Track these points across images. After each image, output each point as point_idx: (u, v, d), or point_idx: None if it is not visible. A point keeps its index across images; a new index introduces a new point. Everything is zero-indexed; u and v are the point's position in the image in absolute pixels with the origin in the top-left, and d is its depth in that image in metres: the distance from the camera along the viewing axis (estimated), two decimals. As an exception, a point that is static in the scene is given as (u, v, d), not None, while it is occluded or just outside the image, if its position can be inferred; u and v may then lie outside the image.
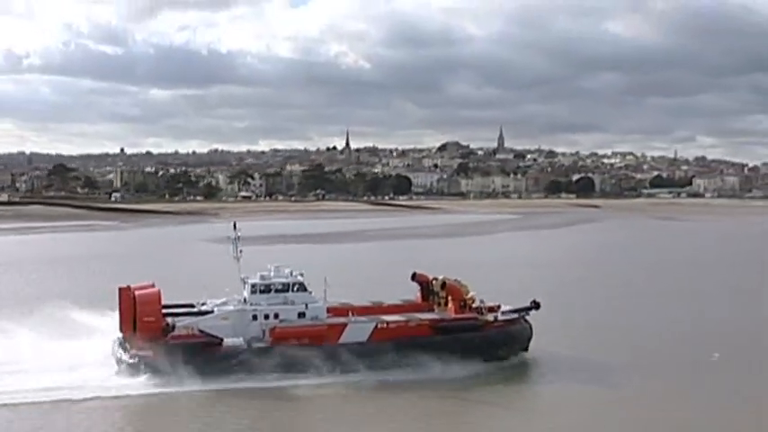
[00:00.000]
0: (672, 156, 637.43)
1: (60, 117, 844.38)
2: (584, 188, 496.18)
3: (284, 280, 58.85)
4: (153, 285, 58.33)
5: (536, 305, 61.40)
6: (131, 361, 54.15)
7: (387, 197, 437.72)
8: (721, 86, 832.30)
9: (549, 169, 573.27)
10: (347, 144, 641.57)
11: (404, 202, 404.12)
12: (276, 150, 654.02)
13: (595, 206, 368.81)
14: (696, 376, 56.45)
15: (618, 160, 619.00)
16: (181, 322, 57.08)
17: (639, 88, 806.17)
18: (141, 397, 51.85)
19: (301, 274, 59.71)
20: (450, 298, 61.22)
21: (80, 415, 48.57)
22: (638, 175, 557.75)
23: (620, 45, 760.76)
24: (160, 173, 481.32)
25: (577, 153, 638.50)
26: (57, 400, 50.23)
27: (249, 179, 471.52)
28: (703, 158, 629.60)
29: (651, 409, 49.16)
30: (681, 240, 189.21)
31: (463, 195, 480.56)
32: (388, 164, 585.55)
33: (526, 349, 60.90)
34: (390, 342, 56.79)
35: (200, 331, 56.14)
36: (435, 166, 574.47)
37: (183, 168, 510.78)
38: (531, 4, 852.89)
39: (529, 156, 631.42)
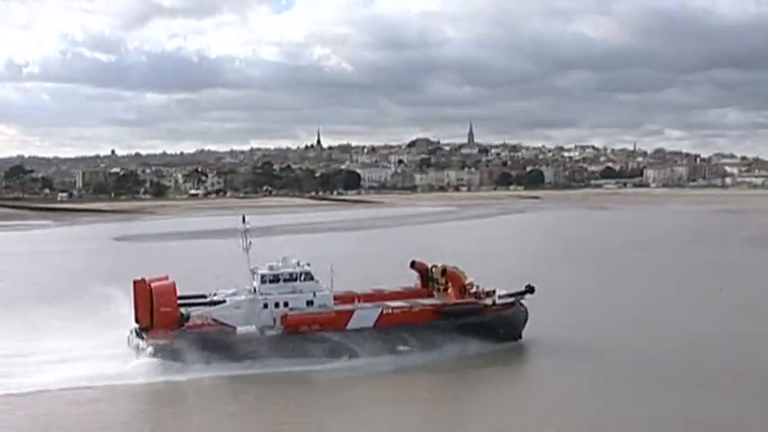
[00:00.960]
0: (634, 148, 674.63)
1: (61, 122, 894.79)
2: (534, 180, 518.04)
3: (292, 270, 62.74)
4: (167, 278, 61.47)
5: (530, 289, 65.99)
6: (150, 350, 57.27)
7: (336, 192, 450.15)
8: (684, 82, 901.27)
9: (510, 163, 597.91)
10: (318, 142, 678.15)
11: (347, 197, 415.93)
12: (255, 149, 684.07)
13: (536, 197, 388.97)
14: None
15: (577, 153, 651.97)
16: (195, 312, 60.44)
17: (608, 85, 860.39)
18: (159, 384, 54.99)
19: (308, 264, 63.55)
20: (450, 284, 65.58)
21: (99, 403, 51.56)
22: (593, 167, 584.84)
23: (588, 45, 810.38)
24: (121, 173, 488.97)
25: (541, 147, 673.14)
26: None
27: (203, 177, 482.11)
28: (662, 150, 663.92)
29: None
30: (575, 229, 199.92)
31: (413, 189, 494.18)
32: (356, 160, 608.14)
33: (520, 334, 65.52)
34: (396, 326, 60.82)
35: (215, 320, 59.70)
36: (400, 161, 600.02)
37: (143, 168, 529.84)
38: (504, 6, 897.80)
39: (493, 150, 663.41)
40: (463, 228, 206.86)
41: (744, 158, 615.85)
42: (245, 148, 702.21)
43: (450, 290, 65.59)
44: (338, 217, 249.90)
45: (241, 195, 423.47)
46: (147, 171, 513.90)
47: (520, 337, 65.07)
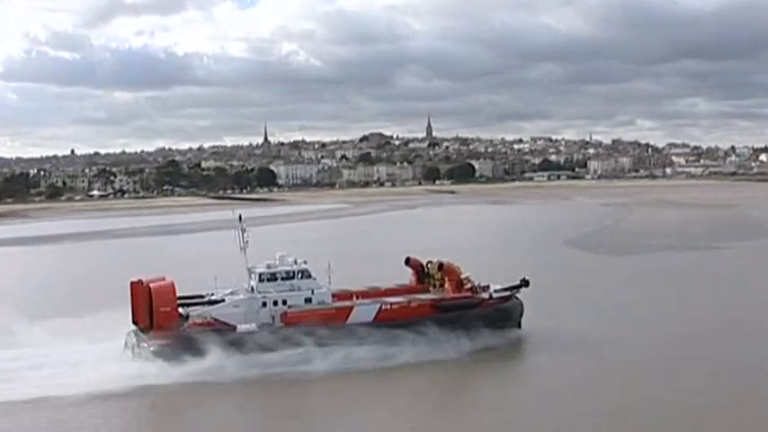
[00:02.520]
0: (589, 139, 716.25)
1: (31, 122, 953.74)
2: (464, 174, 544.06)
3: (289, 268, 68.22)
4: (164, 278, 66.17)
5: (525, 283, 72.54)
6: (150, 350, 61.83)
7: (245, 191, 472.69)
8: (653, 73, 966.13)
9: (455, 156, 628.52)
10: (266, 138, 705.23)
11: (250, 196, 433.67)
12: (206, 147, 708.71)
13: (451, 192, 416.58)
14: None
15: (528, 145, 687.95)
16: (194, 312, 65.44)
17: (577, 77, 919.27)
18: (160, 386, 58.82)
19: (305, 262, 69.16)
20: (447, 279, 71.63)
21: (100, 406, 55.42)
22: (536, 159, 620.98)
23: (554, 37, 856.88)
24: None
25: (491, 140, 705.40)
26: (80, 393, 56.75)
27: (112, 177, 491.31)
28: (619, 141, 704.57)
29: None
30: (419, 227, 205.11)
31: (332, 186, 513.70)
32: (302, 156, 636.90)
33: (519, 325, 72.05)
34: (395, 322, 66.49)
35: (215, 319, 64.71)
36: (343, 157, 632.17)
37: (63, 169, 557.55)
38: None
39: (445, 144, 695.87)
40: (314, 227, 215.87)
41: (696, 148, 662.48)
42: (210, 144, 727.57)
43: (446, 285, 71.52)
44: (215, 217, 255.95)
45: (141, 195, 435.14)
46: (57, 172, 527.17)
47: (519, 327, 71.60)
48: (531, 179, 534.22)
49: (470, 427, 51.36)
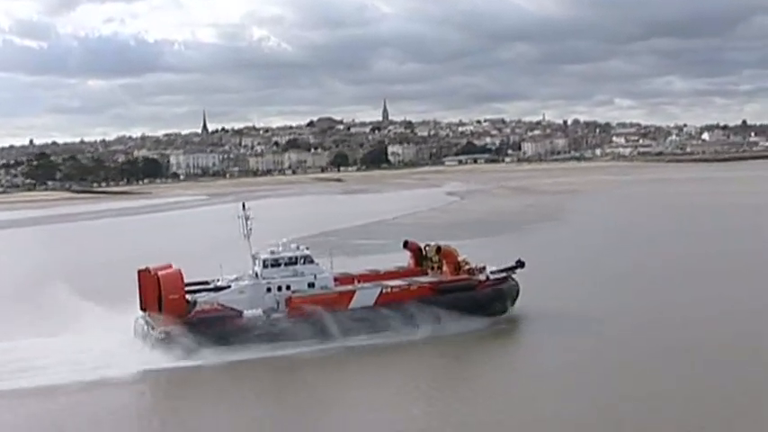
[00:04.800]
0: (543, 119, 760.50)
1: (5, 112, 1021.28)
2: (376, 159, 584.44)
3: (292, 254, 77.91)
4: (171, 266, 75.71)
5: (521, 264, 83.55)
6: (160, 337, 70.61)
7: (135, 182, 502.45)
8: (626, 52, 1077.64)
9: (396, 140, 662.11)
10: (204, 126, 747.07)
11: (114, 189, 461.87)
12: (148, 136, 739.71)
13: (338, 180, 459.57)
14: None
15: (472, 128, 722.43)
16: (201, 298, 74.86)
17: (551, 57, 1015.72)
18: (169, 370, 67.79)
19: (307, 248, 79.34)
20: (445, 261, 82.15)
21: (112, 391, 63.43)
22: (476, 141, 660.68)
23: (525, 17, 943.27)
24: None
25: (439, 123, 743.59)
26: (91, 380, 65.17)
27: (12, 169, 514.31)
28: (576, 122, 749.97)
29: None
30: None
31: (218, 175, 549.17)
32: (240, 143, 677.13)
33: (513, 303, 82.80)
34: (395, 304, 76.35)
35: (221, 305, 73.94)
36: (276, 143, 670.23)
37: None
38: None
39: (390, 127, 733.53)
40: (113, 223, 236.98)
41: (645, 127, 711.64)
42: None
43: (444, 267, 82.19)
44: (48, 213, 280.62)
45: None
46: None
47: (505, 310, 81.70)
48: (441, 163, 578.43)
49: (470, 398, 60.00)
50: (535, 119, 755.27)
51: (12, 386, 64.21)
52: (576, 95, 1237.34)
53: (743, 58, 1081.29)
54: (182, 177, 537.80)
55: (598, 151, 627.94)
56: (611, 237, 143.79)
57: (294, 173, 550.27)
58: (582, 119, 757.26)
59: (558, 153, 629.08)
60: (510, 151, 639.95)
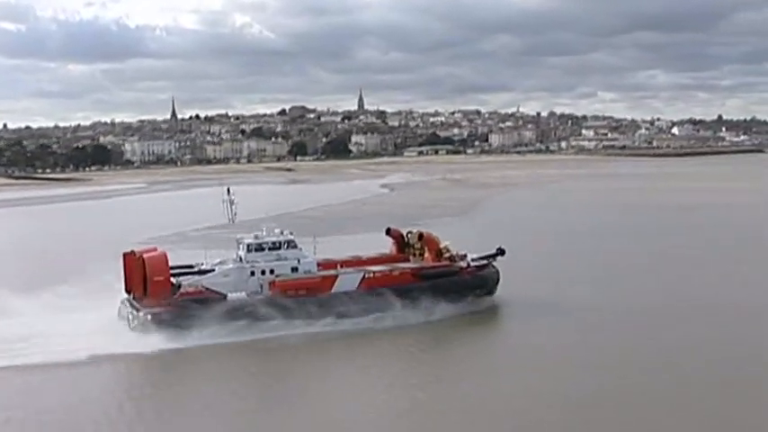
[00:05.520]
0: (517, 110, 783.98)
1: None
2: (336, 149, 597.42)
3: (275, 239, 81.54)
4: (156, 249, 79.33)
5: (501, 252, 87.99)
6: (145, 318, 73.96)
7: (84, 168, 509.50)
8: (610, 45, 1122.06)
9: (363, 130, 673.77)
10: (173, 113, 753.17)
11: (58, 176, 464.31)
12: (120, 123, 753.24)
13: (289, 170, 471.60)
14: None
15: (444, 119, 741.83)
16: (185, 281, 78.45)
17: (534, 49, 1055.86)
18: (155, 354, 70.66)
19: (291, 233, 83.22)
20: (426, 248, 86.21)
21: (98, 374, 66.35)
22: (442, 133, 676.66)
23: (507, 8, 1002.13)
24: None
25: (411, 113, 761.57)
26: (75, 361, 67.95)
27: None
28: (553, 114, 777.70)
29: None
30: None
31: (175, 164, 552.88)
32: (208, 130, 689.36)
33: (494, 291, 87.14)
34: (377, 289, 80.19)
35: (206, 288, 77.52)
36: (242, 131, 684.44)
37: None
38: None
39: (361, 117, 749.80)
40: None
41: (617, 120, 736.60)
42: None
43: (426, 254, 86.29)
44: None
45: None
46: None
47: (492, 294, 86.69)
48: (402, 154, 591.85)
49: (450, 378, 64.01)
50: (511, 110, 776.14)
51: None
52: (558, 87, 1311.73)
53: (725, 53, 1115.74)
54: (135, 165, 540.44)
55: (564, 144, 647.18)
56: (500, 233, 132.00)
57: (250, 161, 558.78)
58: (563, 111, 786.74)
59: (525, 145, 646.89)
60: (477, 143, 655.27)
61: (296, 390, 62.58)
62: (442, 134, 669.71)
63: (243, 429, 55.35)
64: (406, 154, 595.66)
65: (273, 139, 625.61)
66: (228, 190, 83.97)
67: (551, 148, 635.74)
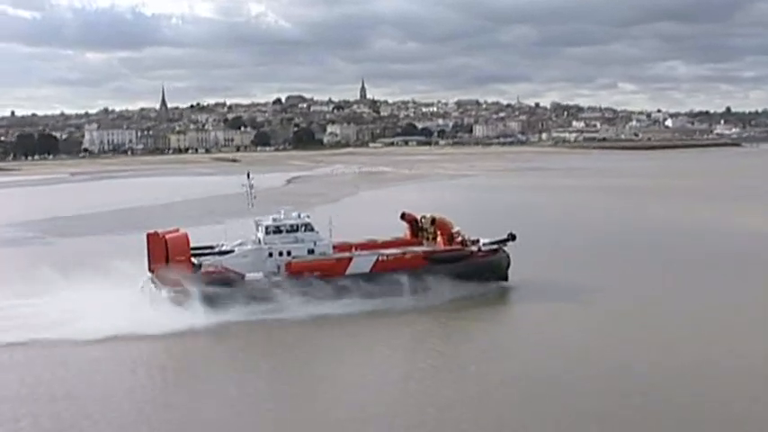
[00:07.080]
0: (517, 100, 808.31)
1: (5, 83, 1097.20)
2: (303, 139, 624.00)
3: (293, 221, 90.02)
4: (178, 230, 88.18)
5: (512, 237, 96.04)
6: (167, 296, 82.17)
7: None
8: (630, 36, 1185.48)
9: (353, 119, 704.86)
10: (163, 102, 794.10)
11: None
12: (110, 110, 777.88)
13: (234, 160, 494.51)
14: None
15: (436, 109, 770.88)
16: (206, 261, 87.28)
17: (553, 40, 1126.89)
18: (177, 329, 77.31)
19: (308, 216, 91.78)
20: (439, 232, 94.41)
21: (121, 350, 73.05)
22: (420, 124, 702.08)
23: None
24: None
25: (405, 103, 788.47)
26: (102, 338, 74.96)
27: None
28: (558, 105, 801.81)
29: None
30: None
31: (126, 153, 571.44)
32: (197, 120, 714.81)
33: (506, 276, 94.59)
34: (391, 272, 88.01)
35: (225, 268, 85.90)
36: (226, 120, 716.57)
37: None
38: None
39: (354, 107, 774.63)
40: None
41: (615, 111, 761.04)
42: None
43: (438, 238, 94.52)
44: None
45: None
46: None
47: (506, 279, 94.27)
48: (367, 145, 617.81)
49: (457, 361, 68.84)
50: (527, 101, 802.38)
51: None
52: (578, 78, 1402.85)
53: (745, 44, 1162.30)
54: (92, 154, 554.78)
55: (545, 135, 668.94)
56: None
57: (208, 151, 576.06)
58: (579, 103, 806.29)
59: (507, 137, 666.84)
60: (459, 133, 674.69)
61: (305, 365, 68.73)
62: (428, 125, 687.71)
63: (258, 396, 61.98)
64: (371, 145, 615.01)
65: (243, 129, 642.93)
66: (249, 175, 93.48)
67: (531, 139, 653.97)
